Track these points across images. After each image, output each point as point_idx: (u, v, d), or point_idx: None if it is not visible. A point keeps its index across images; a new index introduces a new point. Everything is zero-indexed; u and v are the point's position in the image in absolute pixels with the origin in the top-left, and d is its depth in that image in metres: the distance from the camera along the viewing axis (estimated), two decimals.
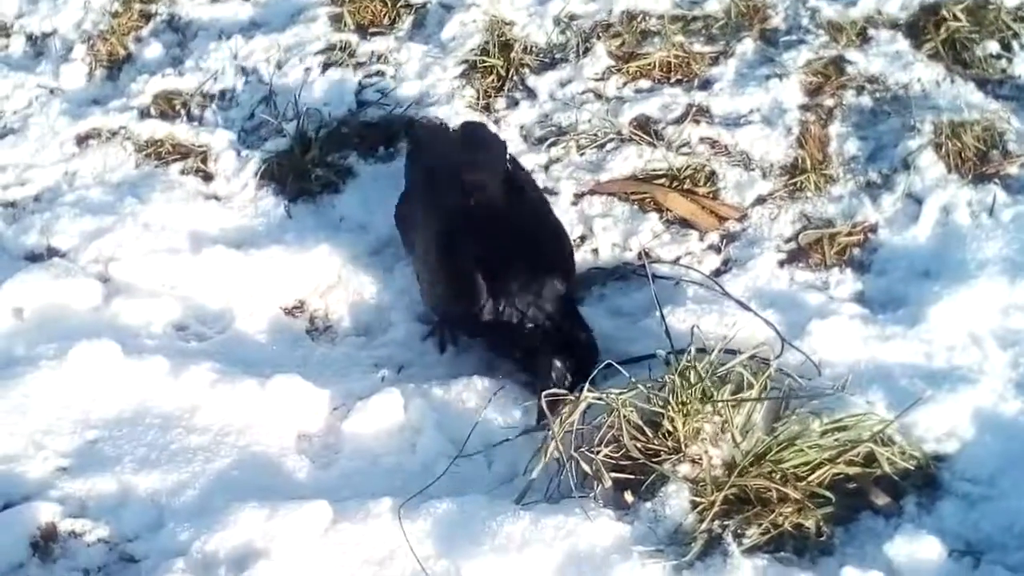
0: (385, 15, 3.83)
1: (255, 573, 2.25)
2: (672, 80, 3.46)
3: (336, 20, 3.83)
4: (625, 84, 3.46)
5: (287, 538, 2.31)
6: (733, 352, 2.51)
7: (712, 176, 3.19)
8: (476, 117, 3.42)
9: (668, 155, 3.22)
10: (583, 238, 3.11)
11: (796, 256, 2.99)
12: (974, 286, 2.74)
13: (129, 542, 2.43)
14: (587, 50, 3.55)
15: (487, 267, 2.73)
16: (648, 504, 2.33)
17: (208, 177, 3.50)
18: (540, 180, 3.23)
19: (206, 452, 2.60)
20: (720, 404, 2.41)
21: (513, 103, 3.49)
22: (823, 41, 3.43)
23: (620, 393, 2.44)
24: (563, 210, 3.13)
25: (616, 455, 2.41)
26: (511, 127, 3.42)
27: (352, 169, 3.41)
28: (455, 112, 3.46)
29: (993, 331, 2.67)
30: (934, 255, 2.90)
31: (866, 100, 3.28)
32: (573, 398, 2.48)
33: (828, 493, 2.33)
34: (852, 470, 2.37)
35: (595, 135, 3.33)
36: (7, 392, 2.71)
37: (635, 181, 3.21)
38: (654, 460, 2.39)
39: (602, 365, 2.52)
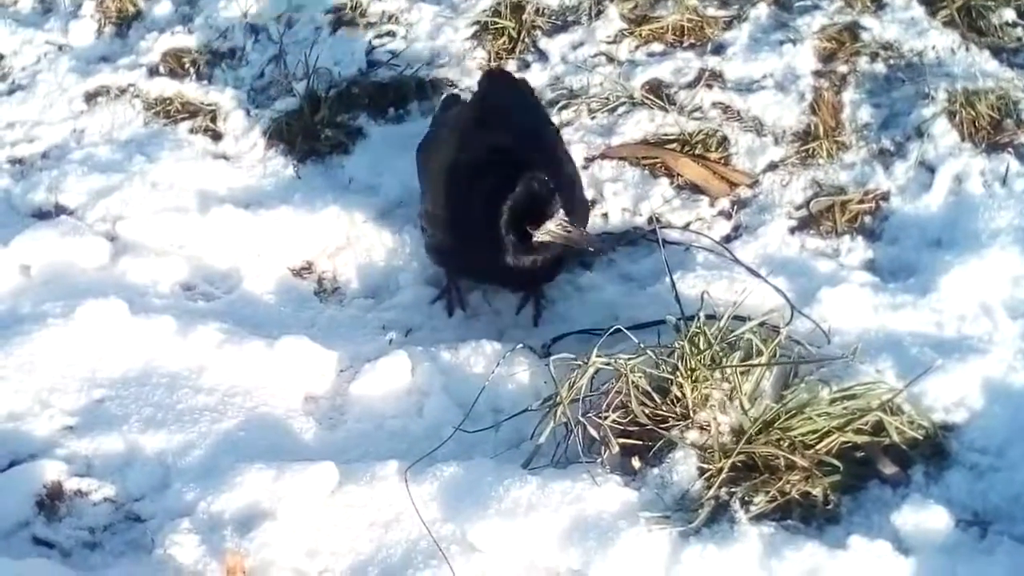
0: None
1: (261, 534, 2.25)
2: (685, 44, 3.44)
3: None
4: (637, 47, 3.44)
5: (293, 499, 2.31)
6: (742, 319, 2.50)
7: (724, 141, 3.17)
8: None
9: (680, 120, 3.21)
10: (593, 202, 3.09)
11: (807, 223, 2.98)
12: (986, 256, 2.73)
13: (135, 501, 2.44)
14: (599, 13, 3.52)
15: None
16: (655, 470, 2.33)
17: (217, 136, 3.50)
18: None
19: (213, 412, 2.60)
20: (729, 371, 2.40)
21: (525, 65, 3.47)
22: (838, 7, 3.41)
23: (629, 358, 2.43)
24: None
25: (624, 421, 2.40)
26: None
27: (362, 130, 3.40)
28: (466, 74, 3.44)
29: (1004, 301, 2.66)
30: (946, 224, 2.88)
31: (880, 67, 3.26)
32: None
33: (836, 461, 2.32)
34: (860, 439, 2.36)
35: (607, 99, 3.31)
36: (14, 350, 2.71)
37: (646, 145, 3.20)
38: (662, 426, 2.38)
39: (611, 330, 2.51)
